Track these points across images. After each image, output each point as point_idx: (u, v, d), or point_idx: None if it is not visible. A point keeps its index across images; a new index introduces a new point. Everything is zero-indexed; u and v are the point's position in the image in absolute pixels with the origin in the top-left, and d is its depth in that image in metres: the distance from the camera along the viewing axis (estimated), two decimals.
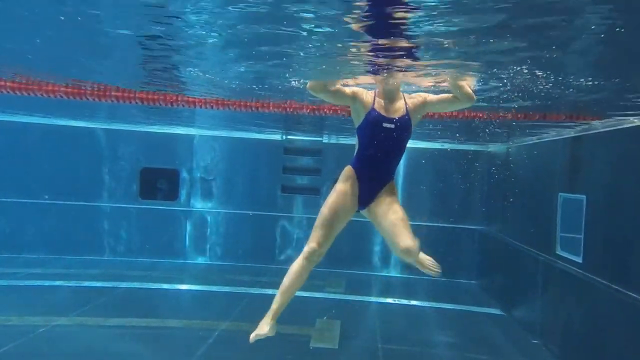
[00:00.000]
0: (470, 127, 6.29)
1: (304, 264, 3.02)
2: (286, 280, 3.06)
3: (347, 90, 3.17)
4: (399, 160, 3.21)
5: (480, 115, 4.85)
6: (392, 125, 3.05)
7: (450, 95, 3.17)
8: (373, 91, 3.21)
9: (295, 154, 9.46)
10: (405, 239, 2.86)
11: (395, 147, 3.12)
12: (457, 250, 9.08)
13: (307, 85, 3.16)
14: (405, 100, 3.17)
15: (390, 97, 3.14)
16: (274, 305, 3.09)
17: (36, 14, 2.63)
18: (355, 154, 3.19)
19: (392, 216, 2.99)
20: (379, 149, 3.09)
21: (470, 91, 3.11)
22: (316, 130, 8.62)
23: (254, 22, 2.43)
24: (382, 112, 3.09)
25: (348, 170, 3.16)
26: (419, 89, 3.51)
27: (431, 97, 3.21)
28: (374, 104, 3.11)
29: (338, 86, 3.19)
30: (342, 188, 3.10)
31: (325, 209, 3.06)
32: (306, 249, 3.01)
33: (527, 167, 7.20)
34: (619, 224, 4.43)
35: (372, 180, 3.12)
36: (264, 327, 3.06)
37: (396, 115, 3.09)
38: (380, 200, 3.09)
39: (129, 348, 5.05)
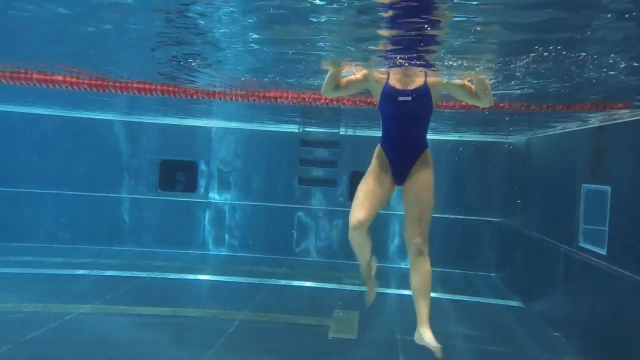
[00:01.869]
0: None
1: (354, 235, 3.04)
2: (354, 250, 3.19)
3: (359, 75, 3.16)
4: (425, 131, 3.14)
5: (502, 105, 4.76)
6: (409, 98, 2.98)
7: (473, 87, 3.11)
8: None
9: (312, 145, 9.47)
10: (417, 237, 2.98)
11: (416, 120, 3.05)
12: (476, 243, 9.00)
13: (321, 91, 3.19)
14: (425, 71, 3.09)
15: (407, 71, 3.08)
16: (362, 265, 3.33)
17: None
18: (381, 132, 3.19)
19: (416, 208, 3.02)
20: (399, 123, 3.05)
21: (491, 95, 3.07)
22: (333, 122, 8.60)
23: None
24: (397, 86, 3.03)
25: (377, 149, 3.16)
26: None
27: (455, 79, 3.16)
28: (388, 79, 3.06)
29: (348, 77, 3.17)
30: (373, 165, 3.11)
31: (359, 186, 3.08)
32: (350, 225, 3.01)
33: (548, 158, 7.06)
34: None
35: (400, 154, 3.08)
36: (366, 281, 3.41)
37: (413, 87, 3.02)
38: (413, 180, 3.07)
39: (151, 336, 5.15)
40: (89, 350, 4.73)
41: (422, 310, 3.04)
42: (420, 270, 2.99)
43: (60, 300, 6.09)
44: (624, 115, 4.75)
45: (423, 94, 3.01)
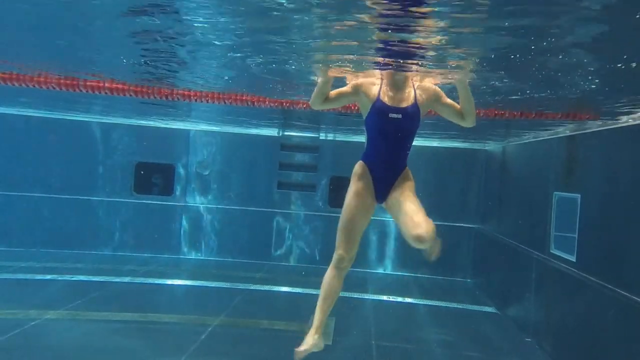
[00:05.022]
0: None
1: (335, 273, 3.01)
2: (322, 293, 3.05)
3: (348, 88, 3.10)
4: (409, 149, 3.12)
5: (478, 112, 4.83)
6: (399, 115, 2.95)
7: (459, 107, 3.09)
8: (380, 80, 3.12)
9: (291, 150, 9.44)
10: (417, 228, 2.81)
11: (404, 137, 3.03)
12: (453, 249, 9.09)
13: (309, 103, 3.13)
14: (414, 89, 3.06)
15: (398, 85, 3.04)
16: (316, 321, 3.07)
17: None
18: (365, 146, 3.14)
19: (405, 207, 2.93)
20: (387, 140, 3.01)
21: (475, 114, 3.08)
22: (313, 127, 8.60)
23: None
24: (388, 102, 2.98)
25: (359, 166, 3.09)
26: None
27: (444, 98, 3.10)
28: (379, 94, 3.01)
29: (338, 89, 3.12)
30: (355, 187, 3.03)
31: (344, 213, 3.02)
32: (334, 257, 2.99)
33: (522, 166, 7.21)
34: (613, 223, 4.43)
35: (385, 171, 3.05)
36: (309, 341, 3.05)
37: (403, 105, 2.98)
38: (396, 191, 3.03)
39: (122, 343, 5.02)
40: (50, 358, 4.57)
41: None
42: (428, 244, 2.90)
43: (26, 306, 5.88)
44: (593, 125, 4.88)
45: (413, 112, 3.00)
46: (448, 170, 9.10)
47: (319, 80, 3.09)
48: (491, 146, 8.67)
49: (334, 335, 5.66)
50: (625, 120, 4.36)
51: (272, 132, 9.21)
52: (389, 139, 3.02)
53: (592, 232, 4.80)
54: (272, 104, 5.08)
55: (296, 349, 3.06)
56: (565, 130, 5.54)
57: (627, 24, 2.24)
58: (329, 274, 3.03)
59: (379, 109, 2.99)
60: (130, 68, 3.91)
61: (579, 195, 5.03)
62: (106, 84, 4.16)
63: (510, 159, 7.71)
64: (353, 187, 3.05)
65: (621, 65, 2.88)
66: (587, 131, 5.10)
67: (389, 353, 5.33)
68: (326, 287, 3.04)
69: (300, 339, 5.45)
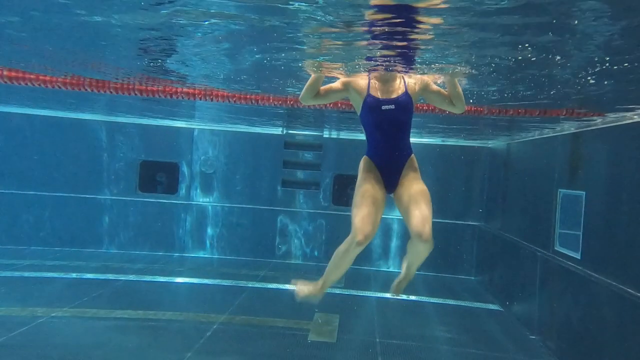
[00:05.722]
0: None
1: (349, 249, 2.93)
2: (334, 262, 3.09)
3: (338, 84, 3.13)
4: (409, 135, 3.15)
5: (481, 110, 4.83)
6: (392, 106, 3.00)
7: (447, 93, 3.15)
8: (367, 75, 3.15)
9: (295, 148, 9.45)
10: (420, 235, 2.85)
11: (401, 126, 3.06)
12: (457, 246, 9.09)
13: (299, 98, 3.15)
14: (404, 79, 3.11)
15: (386, 78, 3.09)
16: (325, 283, 3.18)
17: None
18: (366, 142, 3.18)
19: (415, 211, 2.92)
20: (385, 132, 3.04)
21: (464, 100, 3.11)
22: (317, 125, 8.60)
23: None
24: (379, 95, 3.03)
25: (364, 160, 3.13)
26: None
27: (433, 85, 3.17)
28: (369, 88, 3.06)
29: (328, 85, 3.15)
30: (364, 177, 3.06)
31: (356, 195, 3.00)
32: (350, 235, 2.89)
33: (527, 163, 7.18)
34: (618, 221, 4.41)
35: (389, 162, 3.08)
36: (313, 291, 3.19)
37: (394, 95, 3.03)
38: (404, 184, 3.05)
39: (127, 340, 5.05)
40: (55, 356, 4.59)
41: (412, 270, 3.36)
42: (425, 249, 2.93)
43: (32, 304, 5.93)
44: (599, 122, 4.86)
45: (406, 101, 3.03)
46: (452, 167, 9.08)
47: (310, 78, 3.11)
48: (495, 143, 8.64)
49: (338, 333, 5.68)
50: (630, 117, 4.34)
51: (276, 130, 9.22)
52: (386, 131, 3.05)
53: (597, 230, 4.79)
54: (276, 102, 5.08)
55: (298, 286, 3.19)
56: (570, 127, 5.52)
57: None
58: (344, 248, 2.98)
59: (371, 103, 3.03)
60: (134, 67, 3.91)
61: (584, 193, 5.01)
62: (110, 84, 4.18)
63: (514, 156, 7.69)
64: (361, 178, 3.09)
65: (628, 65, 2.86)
66: (593, 128, 5.07)
67: (393, 350, 5.34)
68: (338, 260, 3.05)
69: (304, 336, 5.49)
